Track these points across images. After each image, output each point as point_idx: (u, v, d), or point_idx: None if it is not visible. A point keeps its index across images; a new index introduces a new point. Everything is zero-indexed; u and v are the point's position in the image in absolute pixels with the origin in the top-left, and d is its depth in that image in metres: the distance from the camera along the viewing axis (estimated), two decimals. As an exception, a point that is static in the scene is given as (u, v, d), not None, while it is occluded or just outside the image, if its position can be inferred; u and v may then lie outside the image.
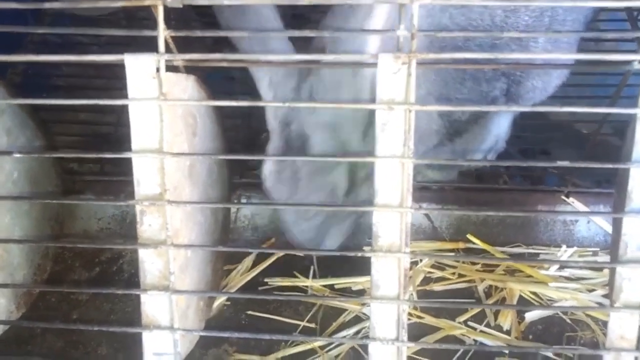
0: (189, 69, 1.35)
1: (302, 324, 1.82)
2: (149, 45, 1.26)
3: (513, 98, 1.90)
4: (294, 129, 1.58)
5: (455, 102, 1.78)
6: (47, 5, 1.22)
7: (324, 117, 1.56)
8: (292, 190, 1.61)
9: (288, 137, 1.59)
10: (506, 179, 2.23)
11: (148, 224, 1.29)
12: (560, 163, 1.26)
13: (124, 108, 1.25)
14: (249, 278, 1.94)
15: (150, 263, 1.31)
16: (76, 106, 2.23)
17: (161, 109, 1.24)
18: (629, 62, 1.26)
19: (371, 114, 1.22)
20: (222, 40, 2.24)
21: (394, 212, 1.24)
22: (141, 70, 1.23)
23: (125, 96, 1.25)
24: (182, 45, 1.29)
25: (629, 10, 2.03)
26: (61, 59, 1.26)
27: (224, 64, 1.28)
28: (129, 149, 1.27)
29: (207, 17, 2.58)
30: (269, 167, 1.63)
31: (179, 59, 1.28)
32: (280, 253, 1.99)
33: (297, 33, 1.32)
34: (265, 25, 1.49)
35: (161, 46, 1.23)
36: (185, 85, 1.35)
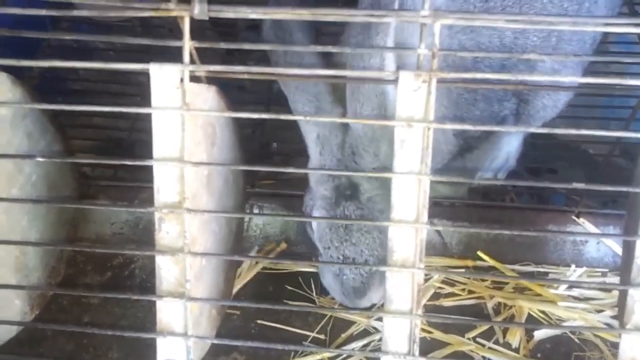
0: (207, 78, 1.37)
1: (312, 335, 1.83)
2: (166, 53, 1.27)
3: (523, 118, 1.91)
4: (344, 180, 1.65)
5: (468, 122, 1.78)
6: (75, 12, 1.23)
7: (369, 166, 1.63)
8: (343, 238, 1.65)
9: (337, 186, 1.65)
10: (513, 197, 2.23)
11: (166, 231, 1.30)
12: (575, 185, 1.27)
13: (138, 114, 1.27)
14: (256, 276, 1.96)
15: (166, 270, 1.32)
16: (91, 111, 2.25)
17: (183, 118, 1.26)
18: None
19: None
20: (235, 50, 2.27)
21: (409, 228, 1.25)
22: (165, 80, 1.24)
23: (138, 102, 1.27)
24: (197, 53, 1.31)
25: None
26: (87, 65, 1.27)
27: (246, 76, 1.29)
28: (142, 155, 1.29)
29: (221, 26, 2.61)
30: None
31: (203, 70, 1.29)
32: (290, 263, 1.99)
33: (319, 48, 1.33)
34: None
35: (186, 57, 1.24)
36: (207, 96, 1.36)
